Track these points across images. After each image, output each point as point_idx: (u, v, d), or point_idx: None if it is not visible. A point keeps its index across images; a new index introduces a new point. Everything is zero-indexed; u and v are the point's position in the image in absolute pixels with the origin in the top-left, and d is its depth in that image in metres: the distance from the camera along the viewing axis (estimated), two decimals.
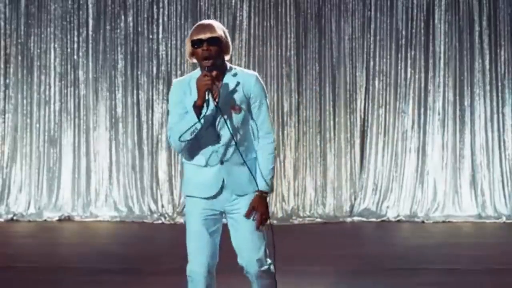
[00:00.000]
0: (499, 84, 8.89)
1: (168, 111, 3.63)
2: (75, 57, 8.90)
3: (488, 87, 8.87)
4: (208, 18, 8.83)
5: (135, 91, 8.90)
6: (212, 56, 3.44)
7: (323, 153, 8.90)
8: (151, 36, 8.88)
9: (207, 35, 3.44)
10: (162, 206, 8.80)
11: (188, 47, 3.51)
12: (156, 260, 6.46)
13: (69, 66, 8.91)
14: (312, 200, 8.83)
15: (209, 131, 3.48)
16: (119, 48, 8.89)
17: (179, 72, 8.88)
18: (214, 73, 3.43)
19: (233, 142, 3.49)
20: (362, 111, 8.93)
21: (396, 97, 8.92)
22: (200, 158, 3.54)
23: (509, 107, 8.90)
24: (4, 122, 8.94)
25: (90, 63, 8.90)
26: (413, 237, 7.88)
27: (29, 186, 8.88)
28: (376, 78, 8.91)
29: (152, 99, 8.91)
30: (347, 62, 8.91)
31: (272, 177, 3.58)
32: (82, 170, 8.88)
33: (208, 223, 3.55)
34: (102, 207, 8.83)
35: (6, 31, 8.91)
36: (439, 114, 8.89)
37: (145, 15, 8.88)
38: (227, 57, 3.55)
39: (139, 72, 8.89)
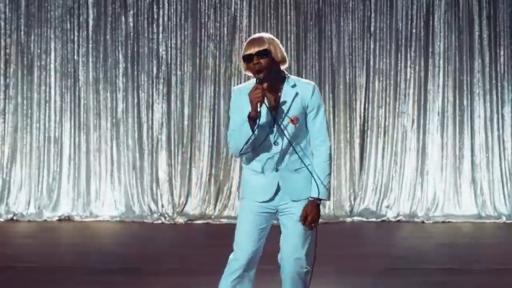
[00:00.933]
0: (499, 84, 8.89)
1: (229, 117, 3.81)
2: (75, 57, 8.91)
3: (487, 87, 8.88)
4: (208, 18, 8.85)
5: (135, 91, 8.91)
6: (263, 68, 3.54)
7: None
8: (151, 36, 8.88)
9: (256, 49, 3.55)
10: (162, 206, 8.81)
11: (242, 63, 3.63)
12: (156, 260, 6.47)
13: (69, 66, 8.91)
14: None
15: (266, 139, 3.60)
16: (119, 48, 8.89)
17: (179, 72, 8.88)
18: (265, 85, 3.54)
19: (289, 150, 3.62)
20: (362, 111, 8.94)
21: (396, 97, 8.92)
22: (257, 165, 3.68)
23: (509, 107, 8.90)
24: (4, 122, 8.95)
25: (90, 63, 8.90)
26: (413, 237, 7.88)
27: (29, 186, 8.88)
28: (376, 78, 8.92)
29: (152, 99, 8.91)
30: (347, 62, 8.92)
31: (329, 183, 3.70)
32: (82, 170, 8.88)
33: (260, 219, 3.69)
34: (102, 207, 8.83)
35: (7, 31, 8.91)
36: (438, 114, 8.89)
37: (145, 15, 8.88)
38: (283, 66, 3.65)
39: (139, 72, 8.90)
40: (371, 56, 8.91)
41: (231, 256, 3.71)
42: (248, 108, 3.55)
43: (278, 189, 3.66)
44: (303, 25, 8.87)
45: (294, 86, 3.65)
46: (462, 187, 8.85)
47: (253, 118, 3.51)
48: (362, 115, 8.94)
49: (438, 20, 8.87)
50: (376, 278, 5.79)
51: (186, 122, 8.90)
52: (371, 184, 8.90)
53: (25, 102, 8.93)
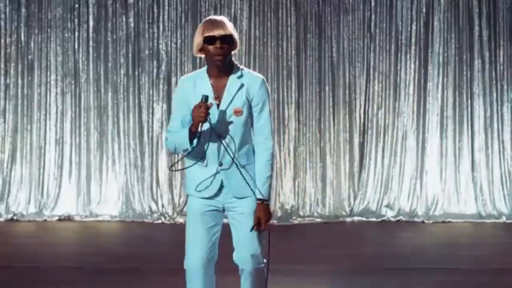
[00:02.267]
0: (498, 84, 8.89)
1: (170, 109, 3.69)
2: (76, 57, 8.90)
3: (487, 87, 8.88)
4: None
5: (136, 91, 8.90)
6: (224, 53, 3.45)
7: (323, 153, 8.90)
8: (151, 37, 8.88)
9: (220, 32, 3.44)
10: (162, 206, 8.81)
11: (197, 42, 3.50)
12: (156, 259, 6.47)
13: (69, 66, 8.91)
14: (312, 200, 8.83)
15: (210, 134, 3.48)
16: (119, 49, 8.89)
17: (179, 72, 8.88)
18: (210, 104, 3.41)
19: (234, 145, 3.51)
20: (362, 111, 8.93)
21: (395, 97, 8.92)
22: (201, 159, 3.56)
23: (509, 107, 8.90)
24: (4, 122, 8.94)
25: (91, 63, 8.90)
26: (413, 237, 7.88)
27: (29, 185, 8.88)
28: (376, 78, 8.91)
29: (153, 99, 8.91)
30: (347, 62, 8.91)
31: (270, 185, 3.57)
32: (82, 170, 8.88)
33: (206, 219, 3.59)
34: (102, 206, 8.82)
35: (7, 31, 8.91)
36: (438, 114, 8.89)
37: (146, 16, 8.88)
38: (234, 52, 3.55)
39: (139, 72, 8.89)
40: (371, 56, 8.91)
41: (185, 263, 3.63)
42: (192, 101, 3.46)
43: (221, 186, 3.56)
44: (303, 25, 8.87)
45: (240, 76, 3.54)
46: (462, 187, 8.85)
47: (193, 133, 3.42)
48: (362, 115, 8.93)
49: (438, 20, 8.87)
50: (376, 278, 5.79)
51: None
52: (371, 184, 8.90)
53: (25, 102, 8.92)
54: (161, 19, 8.88)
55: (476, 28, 8.85)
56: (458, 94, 8.89)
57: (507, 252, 6.98)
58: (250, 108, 3.55)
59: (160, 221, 8.64)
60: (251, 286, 3.63)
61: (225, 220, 3.71)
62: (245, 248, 3.57)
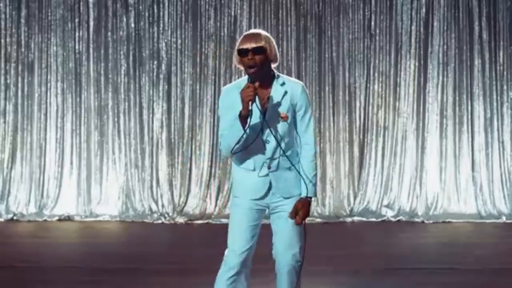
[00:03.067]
0: (498, 84, 8.90)
1: (219, 118, 3.83)
2: (76, 57, 8.91)
3: (487, 87, 8.88)
4: (209, 18, 8.85)
5: (136, 91, 8.91)
6: (257, 64, 3.59)
7: (323, 153, 8.91)
8: (152, 37, 8.88)
9: (252, 44, 3.60)
10: (162, 206, 8.81)
11: (235, 56, 3.67)
12: (156, 259, 6.47)
13: (70, 66, 8.91)
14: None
15: (257, 138, 3.63)
16: (120, 48, 8.89)
17: (179, 72, 8.88)
18: (257, 84, 3.57)
19: (280, 149, 3.66)
20: (362, 111, 8.94)
21: (395, 97, 8.93)
22: (249, 163, 3.72)
23: (508, 107, 8.91)
24: (4, 122, 8.95)
25: (91, 63, 8.90)
26: (413, 237, 7.88)
27: (30, 185, 8.89)
28: (376, 78, 8.92)
29: (153, 99, 8.91)
30: (347, 62, 8.92)
31: (315, 183, 3.77)
32: (82, 169, 8.89)
33: (251, 216, 3.74)
34: (102, 206, 8.83)
35: (7, 31, 8.92)
36: (437, 114, 8.90)
37: (146, 16, 8.88)
38: (274, 65, 3.71)
39: (140, 72, 8.90)
40: (371, 56, 8.91)
41: (226, 254, 3.75)
42: (238, 107, 3.59)
43: (270, 187, 3.72)
44: (303, 26, 8.88)
45: (283, 84, 3.70)
46: (462, 187, 8.86)
47: (244, 117, 3.55)
48: (362, 115, 8.94)
49: (438, 20, 8.87)
50: (376, 278, 5.79)
51: (186, 122, 8.91)
52: (371, 184, 8.91)
53: (25, 101, 8.93)
54: (161, 19, 8.89)
55: (476, 28, 8.86)
56: (458, 94, 8.90)
57: (507, 252, 6.97)
58: (294, 113, 3.71)
59: (160, 221, 8.64)
60: (287, 283, 3.78)
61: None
62: (286, 246, 3.73)
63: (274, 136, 3.64)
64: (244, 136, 3.57)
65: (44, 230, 8.26)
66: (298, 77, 8.86)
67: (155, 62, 8.90)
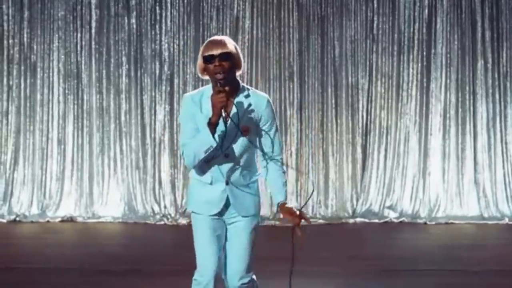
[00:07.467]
0: (501, 85, 8.88)
1: (180, 125, 3.66)
2: (78, 58, 8.91)
3: (490, 88, 8.87)
4: (211, 19, 8.85)
5: (138, 92, 8.91)
6: (224, 70, 3.45)
7: (325, 154, 8.90)
8: (154, 38, 8.88)
9: (219, 50, 3.45)
10: (165, 207, 8.81)
11: (199, 63, 3.53)
12: (158, 261, 6.47)
13: (72, 67, 8.92)
14: (314, 201, 8.83)
15: (218, 150, 3.48)
16: (122, 50, 8.89)
17: (182, 73, 8.88)
18: (227, 88, 3.42)
19: (240, 163, 3.55)
20: (364, 112, 8.93)
21: (398, 98, 8.92)
22: (207, 176, 3.58)
23: None
24: (7, 123, 8.95)
25: (93, 65, 8.91)
26: (416, 238, 7.87)
27: (32, 187, 8.89)
28: (379, 79, 8.91)
29: (155, 100, 8.91)
30: (349, 64, 8.91)
31: (286, 190, 3.65)
32: (84, 171, 8.89)
33: (213, 226, 3.60)
34: (104, 208, 8.83)
35: (10, 33, 8.92)
36: (441, 115, 8.89)
37: (148, 17, 8.88)
38: (238, 72, 3.57)
39: (142, 74, 8.90)
40: (374, 58, 8.90)
41: (195, 275, 3.64)
42: (200, 118, 3.47)
43: (227, 203, 3.59)
44: (306, 27, 8.87)
45: (247, 96, 3.56)
46: (465, 188, 8.84)
47: (214, 125, 3.39)
48: (365, 116, 8.93)
49: (441, 21, 8.86)
50: (378, 279, 5.79)
51: None
52: (374, 185, 8.90)
53: (28, 103, 8.94)
54: (163, 20, 8.89)
55: (479, 29, 8.85)
56: (461, 95, 8.88)
57: (509, 254, 6.97)
58: (257, 127, 3.58)
59: (162, 222, 8.64)
60: None
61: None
62: (235, 271, 3.61)
63: (236, 149, 3.51)
64: (214, 144, 3.40)
65: (47, 231, 8.26)
66: (301, 78, 8.86)
67: (157, 63, 8.90)
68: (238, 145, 3.53)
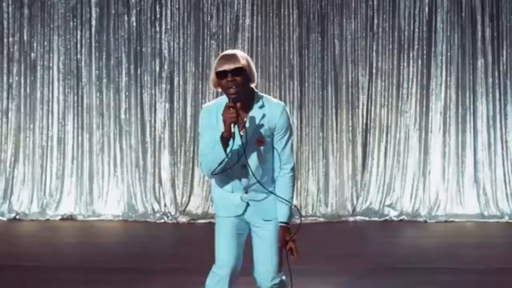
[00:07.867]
0: (501, 83, 8.88)
1: (199, 135, 3.71)
2: (78, 56, 8.91)
3: (490, 87, 8.87)
4: (211, 17, 8.85)
5: (138, 91, 8.91)
6: (237, 85, 3.49)
7: (326, 153, 8.90)
8: (154, 36, 8.88)
9: (231, 66, 3.48)
10: (165, 206, 8.81)
11: (213, 78, 3.57)
12: (158, 259, 6.48)
13: (72, 66, 8.92)
14: (314, 200, 8.83)
15: (236, 162, 3.55)
16: (122, 48, 8.89)
17: (182, 72, 8.88)
18: (238, 104, 3.47)
19: (257, 173, 3.59)
20: (365, 110, 8.93)
21: (398, 97, 8.92)
22: (227, 185, 3.66)
23: None
24: (7, 121, 8.95)
25: (93, 63, 8.90)
26: (416, 237, 7.88)
27: (32, 185, 8.89)
28: (379, 78, 8.91)
29: (155, 98, 8.91)
30: (350, 62, 8.91)
31: (291, 206, 3.71)
32: (85, 169, 8.89)
33: (236, 224, 3.68)
34: (104, 206, 8.84)
35: (9, 31, 8.92)
36: (441, 113, 8.88)
37: (148, 15, 8.88)
38: (252, 85, 3.60)
39: (142, 72, 8.90)
40: (374, 56, 8.90)
41: (213, 268, 3.68)
42: (218, 127, 3.52)
43: (247, 208, 3.66)
44: (306, 25, 8.87)
45: (262, 106, 3.60)
46: (465, 187, 8.84)
47: (226, 139, 3.45)
48: (365, 114, 8.93)
49: (441, 19, 8.86)
50: (378, 278, 5.79)
51: (189, 122, 8.91)
52: (374, 184, 8.89)
53: (28, 101, 8.94)
54: (163, 18, 8.89)
55: (479, 27, 8.84)
56: (461, 94, 8.88)
57: (509, 252, 6.97)
58: (272, 136, 3.62)
59: (162, 221, 8.64)
60: None
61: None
62: (265, 273, 3.67)
63: (253, 160, 3.56)
64: (226, 159, 3.48)
65: (47, 230, 8.27)
66: (301, 76, 8.86)
67: (157, 61, 8.90)
68: (254, 156, 3.59)
